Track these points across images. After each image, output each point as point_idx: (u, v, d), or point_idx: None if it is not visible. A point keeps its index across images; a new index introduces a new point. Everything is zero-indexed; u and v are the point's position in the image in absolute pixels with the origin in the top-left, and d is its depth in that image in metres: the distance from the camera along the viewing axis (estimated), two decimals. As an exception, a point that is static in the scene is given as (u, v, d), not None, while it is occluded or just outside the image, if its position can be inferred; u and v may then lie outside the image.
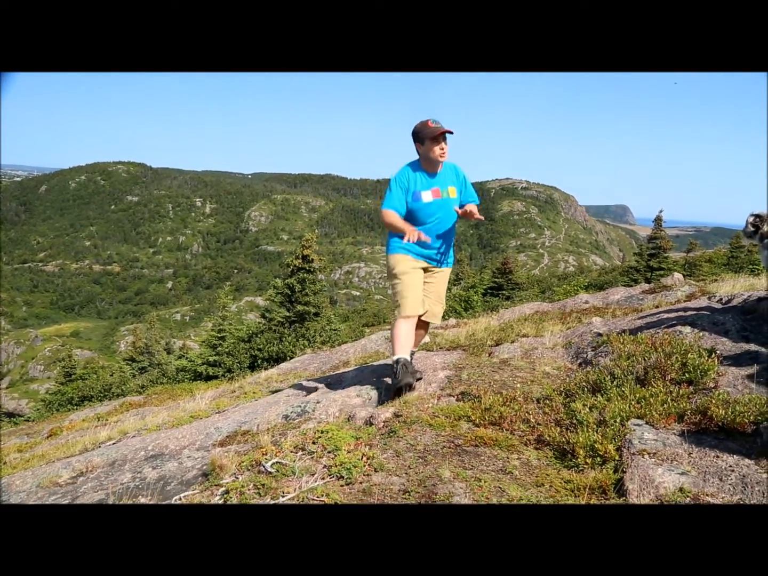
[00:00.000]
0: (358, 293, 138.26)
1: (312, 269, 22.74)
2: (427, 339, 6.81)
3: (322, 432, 3.55)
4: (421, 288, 4.47)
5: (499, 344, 5.65)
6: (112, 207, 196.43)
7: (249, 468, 3.20)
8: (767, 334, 4.33)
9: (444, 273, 4.64)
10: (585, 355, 4.79)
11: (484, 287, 34.75)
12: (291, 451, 3.36)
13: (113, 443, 5.49)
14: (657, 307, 6.48)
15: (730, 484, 2.56)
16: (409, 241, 4.14)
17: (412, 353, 4.78)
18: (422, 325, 4.69)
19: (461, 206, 4.47)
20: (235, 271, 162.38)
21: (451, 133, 4.21)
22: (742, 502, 2.42)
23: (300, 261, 22.61)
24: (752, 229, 4.71)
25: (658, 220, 37.21)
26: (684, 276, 11.18)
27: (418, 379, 4.64)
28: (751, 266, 24.31)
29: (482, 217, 4.42)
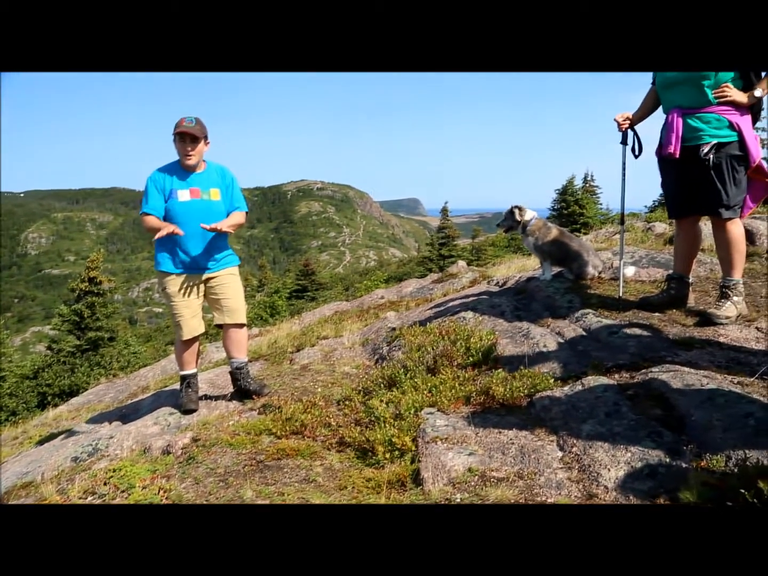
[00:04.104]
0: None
1: (101, 291, 21.14)
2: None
3: (114, 471, 3.29)
4: (197, 308, 4.23)
5: (300, 350, 5.64)
6: None
7: (26, 527, 2.83)
8: (536, 311, 4.80)
9: (227, 275, 4.29)
10: (381, 351, 4.94)
11: (288, 291, 34.78)
12: (79, 498, 3.06)
13: None
14: (445, 295, 6.90)
15: (511, 457, 2.77)
16: (164, 236, 3.84)
17: (244, 363, 4.46)
18: (230, 327, 4.34)
19: (228, 214, 4.22)
20: (16, 300, 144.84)
21: (191, 134, 3.95)
22: (522, 472, 2.62)
23: (87, 284, 20.90)
24: (514, 220, 5.22)
25: (444, 211, 40.09)
26: (468, 262, 12.10)
27: (219, 397, 4.47)
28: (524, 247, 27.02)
29: (229, 230, 4.08)
